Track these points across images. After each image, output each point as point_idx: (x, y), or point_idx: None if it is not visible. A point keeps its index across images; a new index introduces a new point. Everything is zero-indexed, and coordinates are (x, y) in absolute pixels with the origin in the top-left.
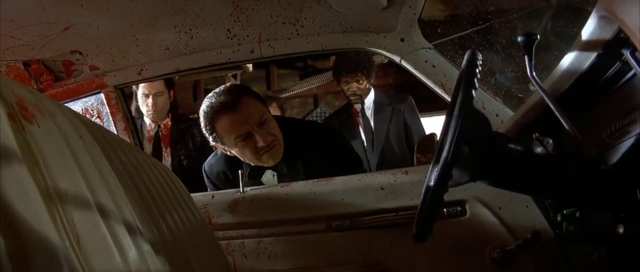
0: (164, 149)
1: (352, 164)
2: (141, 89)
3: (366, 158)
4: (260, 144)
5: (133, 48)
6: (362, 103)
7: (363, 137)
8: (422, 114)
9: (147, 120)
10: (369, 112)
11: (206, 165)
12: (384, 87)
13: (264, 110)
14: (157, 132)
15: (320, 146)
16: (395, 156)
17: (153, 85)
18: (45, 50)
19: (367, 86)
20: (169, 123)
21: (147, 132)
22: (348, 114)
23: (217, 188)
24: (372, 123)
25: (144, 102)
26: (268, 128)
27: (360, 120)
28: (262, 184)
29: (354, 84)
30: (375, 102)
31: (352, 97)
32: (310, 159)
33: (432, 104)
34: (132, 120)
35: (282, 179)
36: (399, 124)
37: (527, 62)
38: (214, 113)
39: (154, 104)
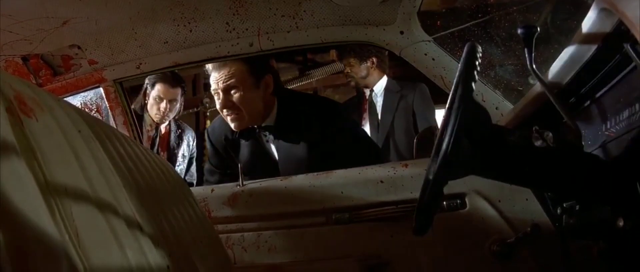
0: (160, 152)
1: (364, 148)
2: (156, 91)
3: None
4: (219, 106)
5: (132, 42)
6: (370, 89)
7: (367, 123)
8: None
9: (147, 119)
10: (377, 99)
11: (209, 128)
12: None
13: (242, 80)
14: (155, 135)
15: (320, 115)
16: (401, 144)
17: (170, 92)
18: (43, 45)
19: (363, 71)
20: (168, 127)
21: (146, 131)
22: (358, 100)
23: (216, 151)
24: (379, 110)
25: (156, 103)
26: (232, 97)
27: (367, 107)
28: (253, 141)
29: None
30: (386, 89)
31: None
32: (310, 126)
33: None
34: (131, 115)
35: (277, 143)
36: (406, 112)
37: (527, 55)
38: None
39: (167, 109)
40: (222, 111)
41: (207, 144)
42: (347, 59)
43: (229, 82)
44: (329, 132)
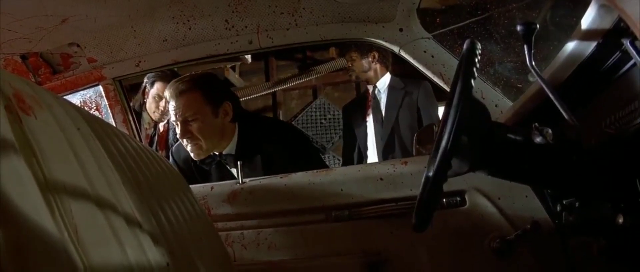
0: (158, 150)
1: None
2: (155, 90)
3: (375, 141)
4: (178, 135)
5: (131, 40)
6: (373, 86)
7: (370, 119)
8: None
9: (146, 118)
10: (381, 96)
11: (174, 148)
12: None
13: (199, 110)
14: (153, 134)
15: (280, 141)
16: (407, 140)
17: None
18: (42, 43)
19: (364, 65)
20: (166, 126)
21: (144, 129)
22: (362, 98)
23: (180, 169)
24: (383, 106)
25: (155, 102)
26: (191, 126)
27: (371, 103)
28: (217, 168)
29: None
30: (390, 86)
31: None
32: (270, 153)
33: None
34: (131, 113)
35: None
36: (411, 108)
37: (526, 52)
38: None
39: (166, 107)
40: (181, 140)
41: (172, 163)
42: (349, 53)
43: (186, 114)
44: (290, 160)
